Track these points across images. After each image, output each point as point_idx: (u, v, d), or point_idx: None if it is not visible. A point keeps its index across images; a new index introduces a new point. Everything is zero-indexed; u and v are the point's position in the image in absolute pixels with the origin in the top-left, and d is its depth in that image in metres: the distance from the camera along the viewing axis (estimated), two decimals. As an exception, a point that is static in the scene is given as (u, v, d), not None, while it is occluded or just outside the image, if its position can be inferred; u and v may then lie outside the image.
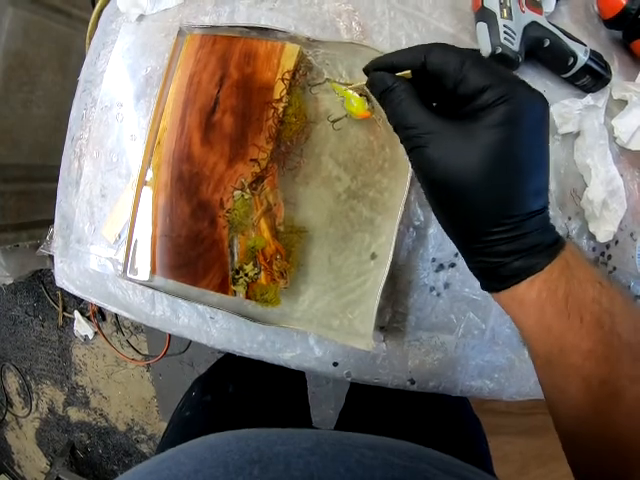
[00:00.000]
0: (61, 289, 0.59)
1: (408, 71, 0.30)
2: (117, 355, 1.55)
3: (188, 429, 0.60)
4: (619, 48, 0.56)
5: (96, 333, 1.55)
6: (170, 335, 1.46)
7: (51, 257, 0.60)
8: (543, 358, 0.32)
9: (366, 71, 0.33)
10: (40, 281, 1.55)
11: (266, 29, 0.48)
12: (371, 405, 0.69)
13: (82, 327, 1.54)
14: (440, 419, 0.64)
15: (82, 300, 1.53)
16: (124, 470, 1.66)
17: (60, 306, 1.55)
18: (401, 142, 0.31)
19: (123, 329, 1.53)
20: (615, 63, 0.55)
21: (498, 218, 0.28)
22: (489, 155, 0.27)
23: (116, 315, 1.52)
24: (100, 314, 1.53)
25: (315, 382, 1.34)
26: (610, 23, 0.52)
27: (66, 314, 1.57)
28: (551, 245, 0.29)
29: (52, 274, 0.61)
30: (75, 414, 1.68)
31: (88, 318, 1.54)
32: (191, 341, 1.49)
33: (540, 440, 1.28)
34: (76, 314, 1.53)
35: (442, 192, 0.30)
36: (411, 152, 0.30)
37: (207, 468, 0.26)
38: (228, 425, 0.40)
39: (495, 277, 0.31)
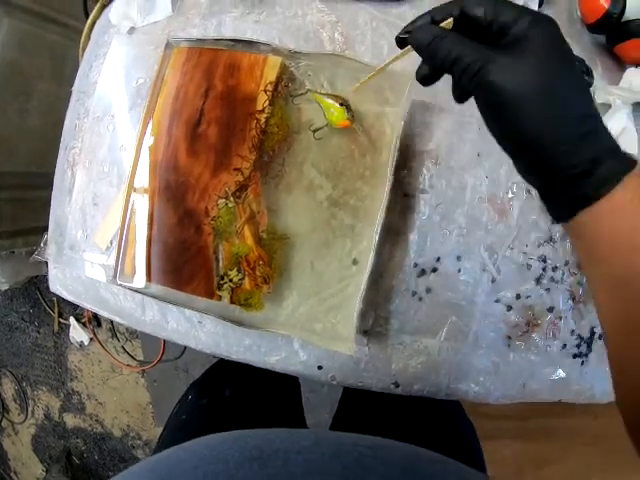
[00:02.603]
0: (57, 295, 0.60)
1: (450, 20, 0.32)
2: (112, 361, 1.55)
3: (185, 432, 0.60)
4: (602, 52, 0.57)
5: (92, 339, 1.55)
6: (165, 341, 1.47)
7: (47, 263, 0.61)
8: (620, 278, 0.30)
9: (399, 39, 0.35)
10: (36, 287, 1.56)
11: (250, 41, 0.50)
12: (365, 409, 0.69)
13: (78, 333, 1.54)
14: (435, 423, 0.64)
15: (78, 306, 1.54)
16: (120, 476, 1.65)
17: (56, 312, 1.56)
18: (458, 79, 0.32)
19: (118, 335, 1.53)
20: (598, 67, 0.56)
21: (567, 126, 0.29)
22: (542, 70, 0.29)
23: (111, 321, 1.53)
24: (95, 320, 1.54)
25: (310, 387, 1.34)
26: (593, 27, 0.53)
27: (62, 320, 1.57)
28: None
29: (48, 280, 0.62)
30: (71, 420, 1.68)
31: (84, 324, 1.54)
32: (186, 347, 1.50)
33: (536, 444, 1.29)
34: (72, 320, 1.54)
35: (507, 113, 0.30)
36: (472, 80, 0.31)
37: (207, 464, 0.27)
38: (225, 427, 0.41)
39: (583, 187, 0.30)
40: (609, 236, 0.30)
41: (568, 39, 0.31)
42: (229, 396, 0.66)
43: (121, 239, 0.50)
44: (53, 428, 1.71)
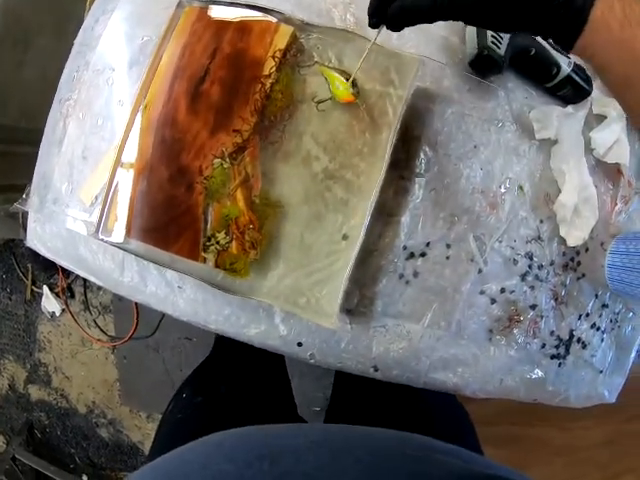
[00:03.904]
0: (32, 263, 0.58)
1: None
2: (83, 335, 1.51)
3: (182, 430, 0.59)
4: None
5: (63, 310, 1.51)
6: (138, 318, 1.44)
7: (24, 225, 0.59)
8: (621, 80, 0.35)
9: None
10: (11, 252, 1.51)
11: (263, 8, 0.50)
12: (357, 402, 0.69)
13: (50, 303, 1.50)
14: (433, 414, 0.64)
15: (52, 275, 1.50)
16: (82, 453, 1.61)
17: (29, 280, 1.51)
18: None
19: (91, 308, 1.50)
20: (597, 79, 0.58)
21: None
22: None
23: (85, 294, 1.49)
24: (69, 291, 1.50)
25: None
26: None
27: (35, 288, 1.53)
28: None
29: (24, 245, 0.60)
30: (36, 392, 1.63)
31: (57, 294, 1.51)
32: (158, 326, 1.48)
33: (504, 450, 1.29)
34: (45, 289, 1.50)
35: None
36: None
37: (215, 464, 0.27)
38: (223, 425, 0.40)
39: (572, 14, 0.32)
40: (596, 54, 0.34)
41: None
42: (225, 393, 0.65)
43: (108, 192, 0.49)
44: (17, 400, 1.66)
